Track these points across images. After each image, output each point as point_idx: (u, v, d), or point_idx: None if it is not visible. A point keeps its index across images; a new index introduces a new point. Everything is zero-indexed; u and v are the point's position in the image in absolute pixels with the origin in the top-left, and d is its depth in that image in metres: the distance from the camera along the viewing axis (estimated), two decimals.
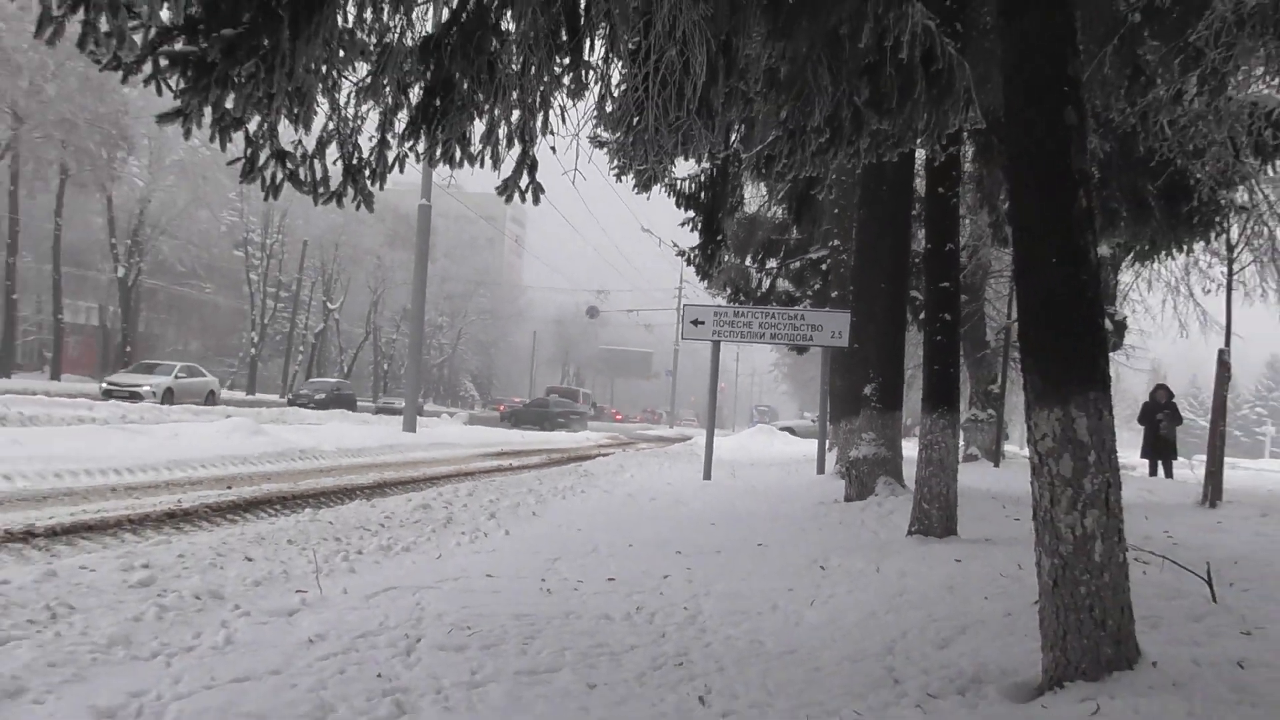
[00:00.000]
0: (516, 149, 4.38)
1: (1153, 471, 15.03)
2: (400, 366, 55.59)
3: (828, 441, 14.48)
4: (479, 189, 27.99)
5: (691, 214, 11.51)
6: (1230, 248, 10.52)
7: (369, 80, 4.09)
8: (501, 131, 4.32)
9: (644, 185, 6.69)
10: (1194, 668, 3.30)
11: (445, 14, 4.16)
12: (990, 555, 5.93)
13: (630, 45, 4.23)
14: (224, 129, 3.71)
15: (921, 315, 7.85)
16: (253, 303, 48.69)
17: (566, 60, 4.25)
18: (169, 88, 3.47)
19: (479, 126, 4.29)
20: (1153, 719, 2.86)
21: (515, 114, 4.31)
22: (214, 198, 43.80)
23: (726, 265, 15.38)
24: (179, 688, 3.37)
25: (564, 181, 5.24)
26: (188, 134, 3.68)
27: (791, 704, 3.43)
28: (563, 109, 4.40)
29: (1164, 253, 10.69)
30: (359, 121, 4.23)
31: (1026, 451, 3.69)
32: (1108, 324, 8.63)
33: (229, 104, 3.58)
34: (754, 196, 15.54)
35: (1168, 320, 15.47)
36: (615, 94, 4.55)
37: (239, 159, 3.96)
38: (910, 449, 9.63)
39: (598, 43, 4.33)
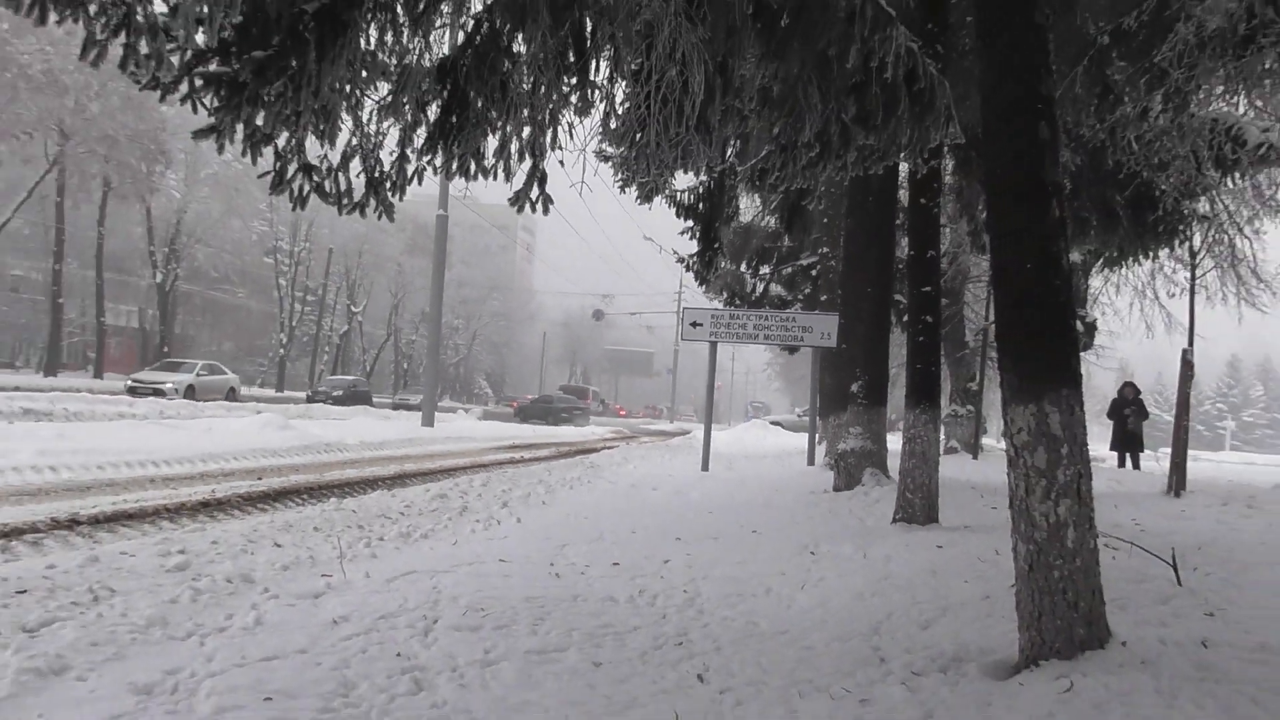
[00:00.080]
0: (527, 163, 4.37)
1: (1121, 463, 15.00)
2: (419, 365, 55.60)
3: (817, 435, 14.46)
4: (492, 200, 27.96)
5: (690, 223, 11.49)
6: (1193, 254, 10.50)
7: (389, 99, 4.09)
8: (513, 146, 4.31)
9: (646, 196, 6.68)
10: (1161, 647, 3.29)
11: (461, 37, 4.16)
12: (970, 542, 5.92)
13: (633, 66, 4.22)
14: (255, 144, 3.72)
15: (905, 317, 7.83)
16: (281, 306, 48.71)
17: (574, 80, 4.24)
18: (204, 106, 3.49)
19: (492, 142, 4.29)
20: (1123, 695, 2.85)
21: (526, 130, 4.30)
22: (246, 208, 43.94)
23: (723, 271, 15.36)
24: (212, 666, 3.36)
25: (571, 193, 5.23)
26: (221, 149, 3.69)
27: (784, 681, 3.42)
28: (570, 125, 4.40)
29: (1131, 259, 10.65)
30: (380, 137, 4.23)
31: (1003, 445, 3.68)
32: (1079, 325, 8.61)
33: (259, 121, 3.58)
34: (749, 207, 15.51)
35: (1135, 322, 15.48)
36: (619, 111, 4.54)
37: (269, 172, 3.97)
38: (895, 442, 9.62)
39: (603, 64, 4.32)
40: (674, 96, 4.14)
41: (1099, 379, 26.12)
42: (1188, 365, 9.06)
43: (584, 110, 4.35)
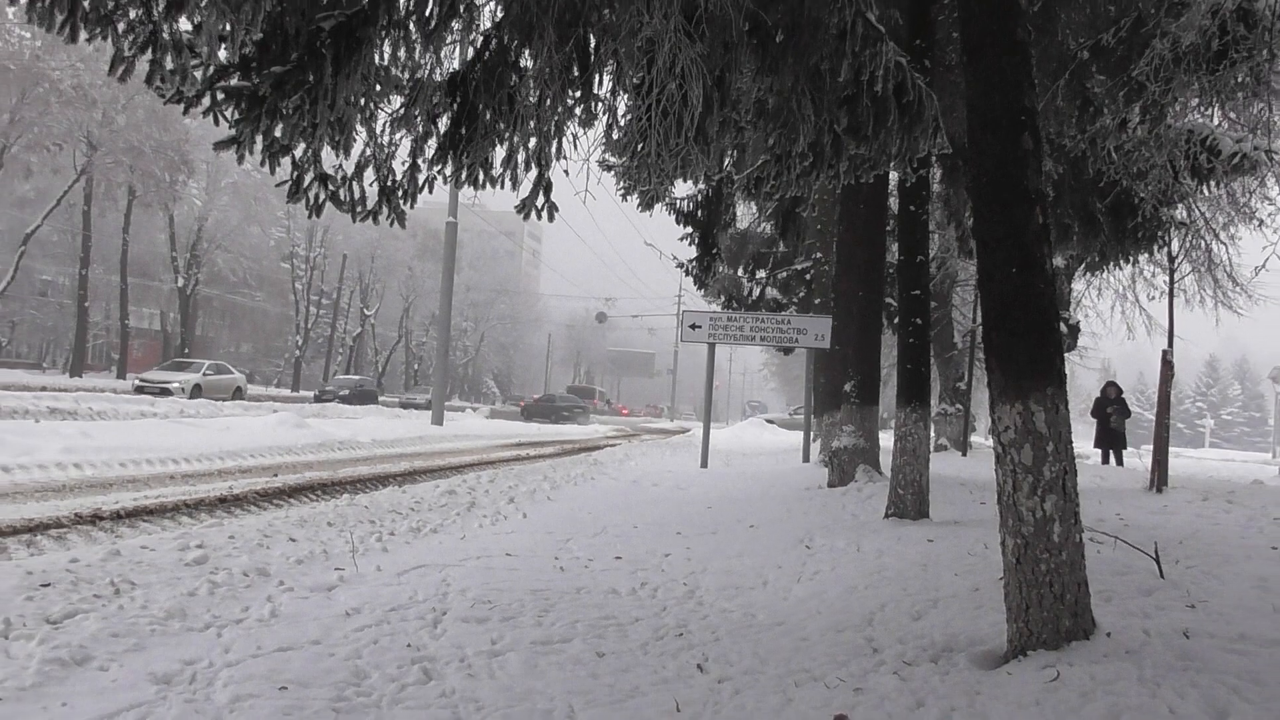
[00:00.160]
0: (533, 172, 4.37)
1: (1105, 460, 14.97)
2: (429, 366, 55.61)
3: (812, 433, 14.44)
4: (500, 207, 28.00)
5: (689, 230, 11.52)
6: (1171, 259, 10.46)
7: (402, 111, 4.09)
8: (520, 157, 4.31)
9: (647, 204, 6.68)
10: (1144, 637, 3.27)
11: (470, 52, 4.16)
12: (959, 536, 5.90)
13: (635, 80, 4.22)
14: (273, 155, 3.72)
15: (895, 319, 7.83)
16: (297, 309, 48.75)
17: (578, 93, 4.24)
18: (225, 118, 3.50)
19: (500, 152, 4.29)
20: (1107, 684, 2.84)
21: (532, 141, 4.30)
22: (264, 216, 44.00)
23: (721, 275, 15.34)
24: (229, 656, 3.36)
25: (576, 201, 5.22)
26: (241, 159, 3.70)
27: (781, 670, 3.41)
28: (574, 136, 4.40)
29: (1112, 263, 10.63)
30: (393, 148, 4.23)
31: (991, 442, 3.67)
32: (1062, 327, 8.59)
33: (278, 132, 3.59)
34: (745, 214, 15.51)
35: (1116, 324, 15.44)
36: (621, 123, 4.54)
37: (286, 181, 3.97)
38: (886, 440, 9.61)
39: (606, 78, 4.33)
40: (674, 109, 4.13)
41: (1082, 379, 26.12)
42: (1167, 365, 9.04)
43: (588, 122, 4.35)
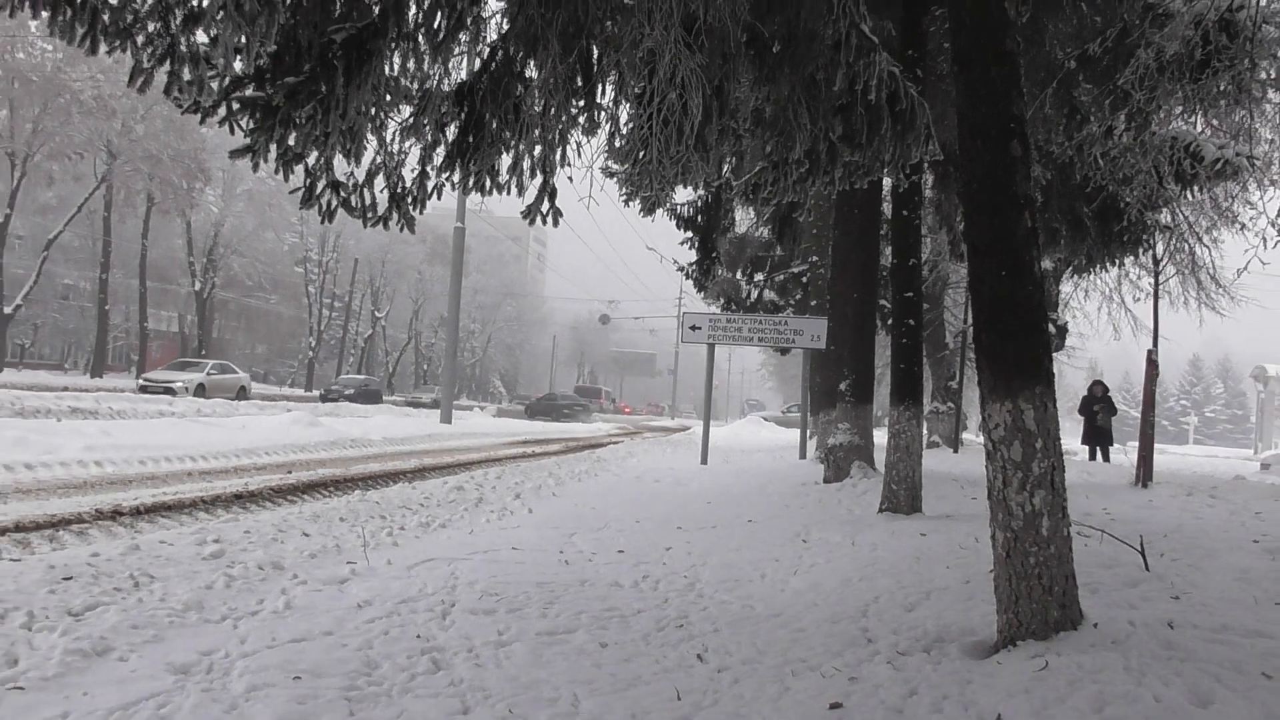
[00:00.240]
0: (538, 179, 4.37)
1: (1092, 456, 14.95)
2: (438, 366, 55.66)
3: (808, 431, 14.44)
4: (506, 213, 28.01)
5: (690, 234, 11.54)
6: (1156, 262, 10.44)
7: (411, 120, 4.10)
8: (525, 164, 4.31)
9: (649, 209, 6.66)
10: (1130, 628, 3.27)
11: (477, 64, 4.17)
12: (951, 530, 5.90)
13: (636, 90, 4.22)
14: (287, 163, 3.73)
15: (889, 321, 7.81)
16: (310, 311, 48.80)
17: (581, 103, 4.25)
18: (240, 128, 3.51)
19: (506, 160, 4.29)
20: (1094, 673, 2.83)
21: (537, 149, 4.30)
22: (278, 221, 44.12)
23: (720, 278, 15.36)
24: (244, 647, 3.36)
25: (580, 206, 5.25)
26: (256, 167, 3.71)
27: (778, 660, 3.41)
28: (578, 144, 4.41)
29: (1099, 266, 10.63)
30: (402, 156, 4.24)
31: (982, 439, 3.66)
32: (1051, 328, 8.58)
33: (291, 141, 3.60)
34: (743, 219, 15.52)
35: (1103, 325, 15.38)
36: (623, 131, 4.54)
37: (299, 188, 3.97)
38: (880, 437, 9.61)
39: (608, 88, 4.34)
40: (674, 118, 4.13)
41: (1070, 378, 26.07)
42: (1153, 365, 9.03)
43: (591, 130, 4.36)
